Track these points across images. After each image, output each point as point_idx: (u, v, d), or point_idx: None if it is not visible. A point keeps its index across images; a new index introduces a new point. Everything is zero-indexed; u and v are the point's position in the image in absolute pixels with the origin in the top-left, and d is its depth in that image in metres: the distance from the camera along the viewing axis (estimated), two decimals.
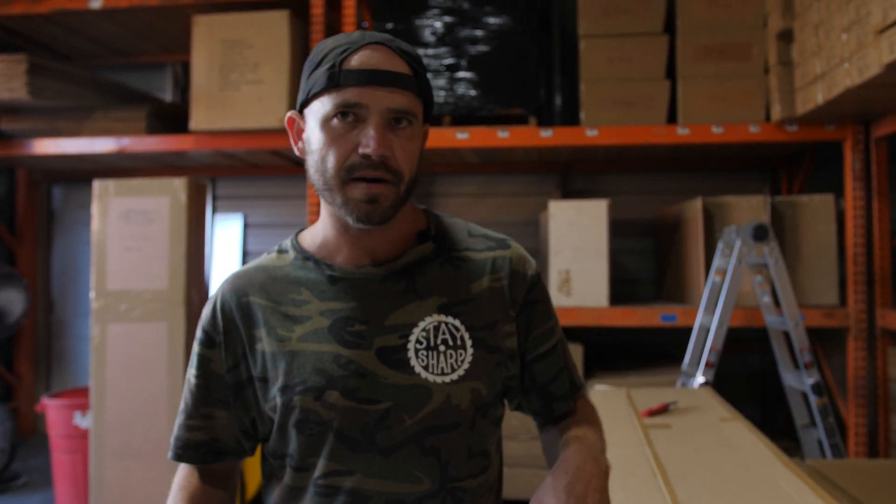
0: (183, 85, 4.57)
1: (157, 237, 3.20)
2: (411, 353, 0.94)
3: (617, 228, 3.92)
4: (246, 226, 4.57)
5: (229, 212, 4.58)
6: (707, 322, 3.02)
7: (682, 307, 3.31)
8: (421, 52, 3.46)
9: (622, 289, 3.95)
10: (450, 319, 0.96)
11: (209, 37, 3.53)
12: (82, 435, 3.31)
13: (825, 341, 3.59)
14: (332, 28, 3.69)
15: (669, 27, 3.40)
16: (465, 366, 0.95)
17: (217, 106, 3.50)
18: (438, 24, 3.46)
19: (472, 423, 0.97)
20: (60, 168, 4.50)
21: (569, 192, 4.18)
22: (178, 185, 3.21)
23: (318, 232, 1.02)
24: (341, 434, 0.93)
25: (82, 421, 3.32)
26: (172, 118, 3.92)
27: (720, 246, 3.06)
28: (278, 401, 0.94)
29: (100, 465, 3.14)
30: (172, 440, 1.02)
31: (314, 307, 0.96)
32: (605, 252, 3.27)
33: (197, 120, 3.53)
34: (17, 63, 3.44)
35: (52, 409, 3.38)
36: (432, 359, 0.94)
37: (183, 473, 1.04)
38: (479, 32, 3.42)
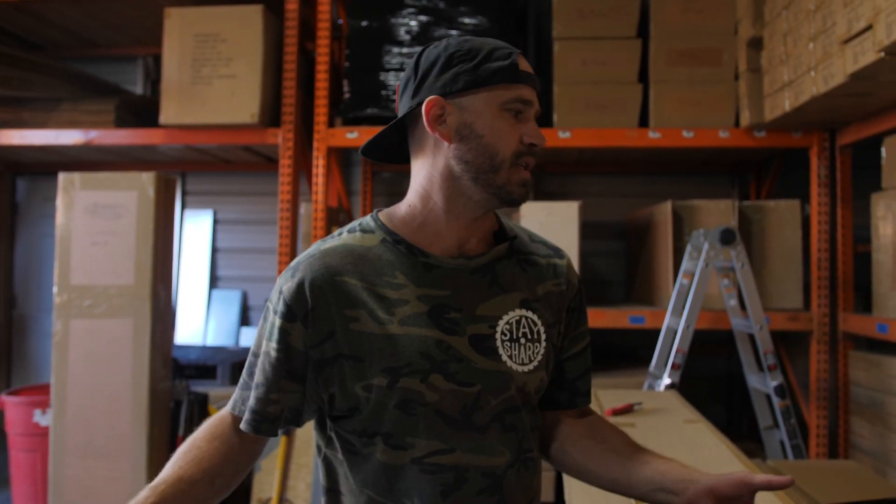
0: (154, 78, 4.50)
1: (123, 232, 3.14)
2: (498, 343, 1.03)
3: (588, 230, 3.94)
4: (216, 222, 4.51)
5: (199, 207, 4.52)
6: (674, 324, 3.05)
7: (651, 309, 3.34)
8: (395, 50, 3.45)
9: (592, 290, 3.98)
10: (529, 314, 1.07)
11: (181, 30, 3.48)
12: (42, 433, 3.23)
13: (789, 344, 3.66)
14: (307, 24, 3.66)
15: (643, 31, 3.42)
16: (539, 358, 1.06)
17: (188, 100, 3.45)
18: (413, 24, 3.44)
19: (534, 405, 1.10)
20: (25, 160, 4.40)
21: (541, 194, 4.20)
22: (147, 179, 3.16)
23: (412, 217, 1.06)
24: (444, 414, 1.00)
25: (42, 419, 3.25)
26: (142, 111, 3.85)
27: (688, 249, 3.09)
28: (382, 381, 0.98)
29: (60, 463, 3.07)
30: (249, 413, 1.02)
31: (410, 291, 1.01)
32: (575, 254, 3.29)
33: (167, 114, 3.47)
34: None
35: (10, 406, 3.30)
36: (515, 349, 1.04)
37: (229, 429, 1.04)
38: (454, 32, 3.41)
